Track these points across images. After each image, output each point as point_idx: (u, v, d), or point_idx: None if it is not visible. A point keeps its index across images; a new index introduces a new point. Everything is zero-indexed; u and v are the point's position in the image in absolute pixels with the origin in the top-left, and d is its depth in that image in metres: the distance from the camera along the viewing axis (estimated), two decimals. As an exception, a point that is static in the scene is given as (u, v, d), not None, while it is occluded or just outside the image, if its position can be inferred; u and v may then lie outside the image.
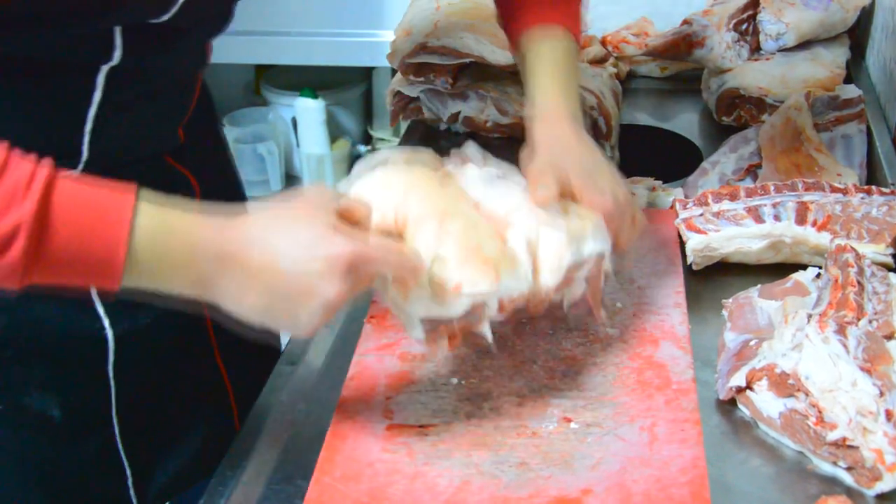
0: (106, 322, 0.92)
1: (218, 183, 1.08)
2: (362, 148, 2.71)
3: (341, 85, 2.61)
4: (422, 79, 1.45)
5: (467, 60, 1.43)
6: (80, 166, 0.86)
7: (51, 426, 0.92)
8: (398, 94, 1.50)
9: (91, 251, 0.67)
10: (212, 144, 1.12)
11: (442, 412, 0.83)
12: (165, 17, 0.81)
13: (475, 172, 0.88)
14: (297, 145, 2.60)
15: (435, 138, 1.49)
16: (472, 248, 0.78)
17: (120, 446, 0.98)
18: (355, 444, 0.79)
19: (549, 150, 0.92)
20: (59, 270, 0.68)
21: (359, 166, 0.86)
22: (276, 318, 0.73)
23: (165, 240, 0.70)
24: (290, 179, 2.69)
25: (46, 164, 0.67)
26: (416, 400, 0.84)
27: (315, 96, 2.51)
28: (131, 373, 0.95)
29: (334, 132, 2.59)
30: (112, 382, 0.95)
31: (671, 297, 0.99)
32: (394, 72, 1.52)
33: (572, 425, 0.81)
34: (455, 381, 0.87)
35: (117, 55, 0.81)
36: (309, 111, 2.50)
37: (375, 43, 2.20)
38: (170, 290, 0.72)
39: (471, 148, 0.91)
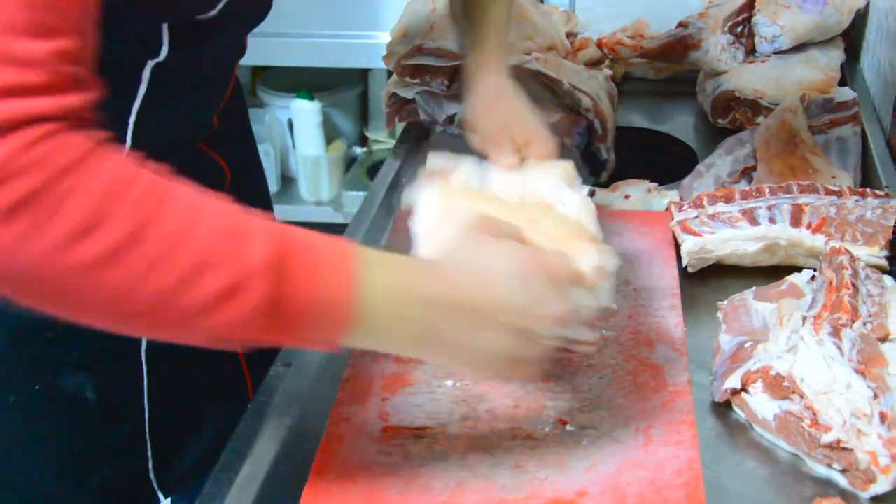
0: None
1: (246, 170, 1.11)
2: (358, 150, 2.70)
3: (337, 87, 2.61)
4: (418, 80, 1.45)
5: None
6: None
7: (84, 408, 0.94)
8: (394, 95, 1.50)
9: (323, 300, 0.63)
10: (241, 132, 1.15)
11: (437, 414, 0.83)
12: (212, 14, 0.83)
13: (469, 172, 0.90)
14: (293, 147, 2.59)
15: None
16: (574, 236, 0.79)
17: (147, 432, 0.99)
18: (351, 446, 0.79)
19: (493, 105, 1.01)
20: (279, 323, 0.62)
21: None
22: (515, 364, 0.71)
23: (396, 292, 0.67)
24: (286, 181, 2.69)
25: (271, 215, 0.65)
26: (412, 402, 0.84)
27: (311, 98, 2.51)
28: (163, 359, 0.97)
29: (330, 134, 2.59)
30: (145, 367, 0.97)
31: (667, 299, 0.99)
32: (390, 73, 1.52)
33: (568, 427, 0.81)
34: (450, 383, 0.87)
35: (164, 52, 0.83)
36: (305, 113, 2.50)
37: (371, 45, 2.20)
38: (395, 346, 0.70)
39: (436, 159, 0.92)
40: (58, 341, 0.91)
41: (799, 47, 1.54)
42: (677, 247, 1.09)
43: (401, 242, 1.04)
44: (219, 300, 0.59)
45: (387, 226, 1.21)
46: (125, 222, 0.57)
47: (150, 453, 1.01)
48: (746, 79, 1.46)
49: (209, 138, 1.02)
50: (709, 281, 1.08)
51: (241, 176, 1.07)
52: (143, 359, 0.96)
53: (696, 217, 1.09)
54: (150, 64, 0.84)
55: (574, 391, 0.85)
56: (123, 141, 0.87)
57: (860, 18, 1.61)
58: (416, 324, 0.67)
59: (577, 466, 0.77)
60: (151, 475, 1.02)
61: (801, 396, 0.81)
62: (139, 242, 0.57)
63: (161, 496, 1.05)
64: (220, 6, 0.83)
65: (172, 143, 0.93)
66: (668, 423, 0.81)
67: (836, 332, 0.83)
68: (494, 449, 0.79)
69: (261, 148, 2.52)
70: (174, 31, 0.83)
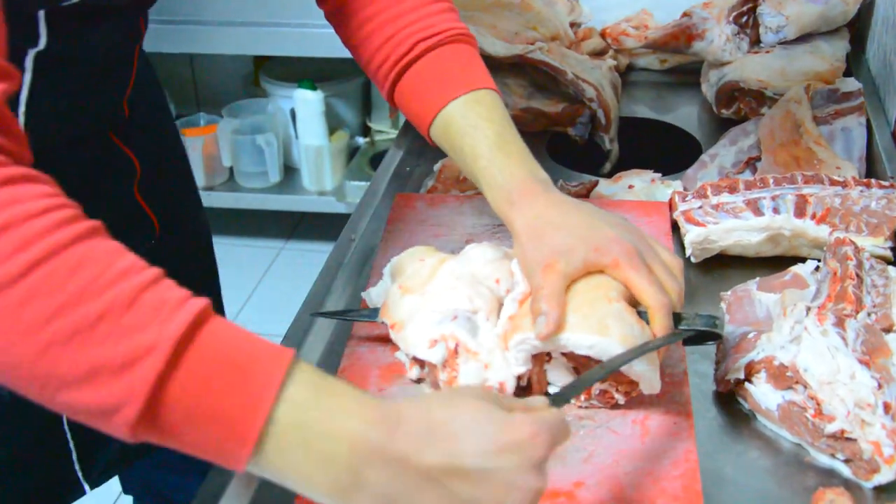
0: None
1: (163, 164, 1.08)
2: (360, 140, 2.70)
3: (340, 76, 2.61)
4: (421, 70, 1.44)
5: (466, 52, 1.43)
6: None
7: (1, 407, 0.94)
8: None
9: (224, 409, 0.54)
10: (156, 120, 1.11)
11: None
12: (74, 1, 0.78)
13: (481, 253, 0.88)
14: (296, 137, 2.59)
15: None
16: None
17: (65, 424, 1.00)
18: None
19: (539, 238, 0.80)
20: (177, 420, 0.54)
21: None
22: None
23: (319, 418, 0.55)
24: (289, 171, 2.69)
25: (203, 300, 0.56)
26: (409, 392, 0.84)
27: (314, 88, 2.50)
28: None
29: (333, 124, 2.59)
30: None
31: None
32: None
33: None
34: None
35: (43, 40, 0.80)
36: (308, 103, 2.50)
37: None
38: (302, 487, 0.57)
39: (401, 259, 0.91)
40: None
41: (804, 37, 1.53)
42: (676, 237, 1.09)
43: (398, 234, 1.04)
44: (99, 413, 0.54)
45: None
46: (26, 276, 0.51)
47: (71, 445, 1.01)
48: (751, 69, 1.45)
49: (120, 129, 0.98)
50: (712, 271, 1.07)
51: (156, 167, 1.03)
52: None
53: (700, 207, 1.09)
54: (32, 53, 0.81)
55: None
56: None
57: (866, 8, 1.60)
58: (334, 466, 0.55)
59: (574, 457, 0.77)
60: (76, 467, 1.03)
61: (805, 386, 0.80)
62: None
63: (87, 487, 1.06)
64: None
65: (76, 131, 0.91)
66: (666, 413, 0.81)
67: (840, 323, 0.83)
68: None
69: (263, 138, 2.54)
70: (52, 17, 0.79)
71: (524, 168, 0.85)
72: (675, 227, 1.13)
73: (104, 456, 1.05)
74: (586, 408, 0.83)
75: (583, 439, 0.79)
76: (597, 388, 0.81)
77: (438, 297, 0.83)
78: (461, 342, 0.79)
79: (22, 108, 0.84)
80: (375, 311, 0.89)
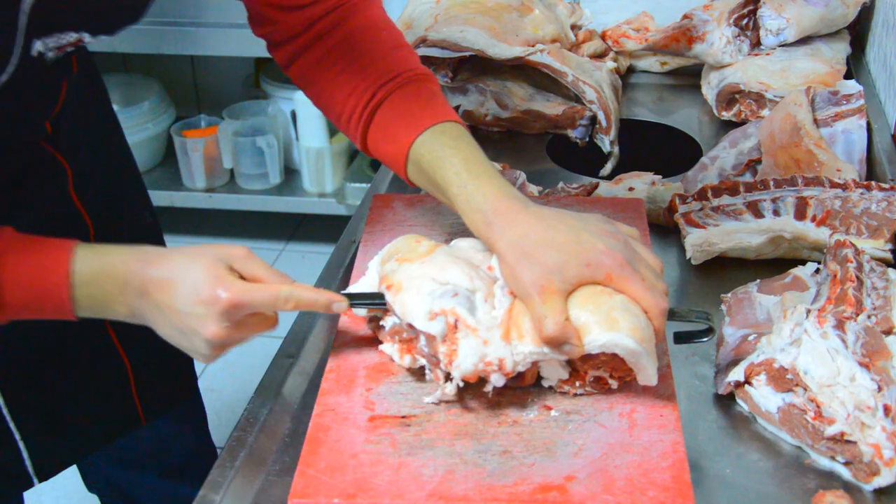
0: None
1: (99, 165, 1.10)
2: (361, 142, 2.70)
3: (341, 78, 2.60)
4: (422, 72, 1.45)
5: (467, 54, 1.43)
6: None
7: None
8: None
9: (42, 300, 0.79)
10: (91, 126, 1.11)
11: (423, 403, 0.83)
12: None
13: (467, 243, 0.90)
14: (297, 139, 2.59)
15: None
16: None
17: (7, 417, 1.02)
18: (338, 435, 0.80)
19: (531, 263, 0.80)
20: (21, 314, 0.80)
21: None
22: (181, 345, 0.82)
23: (101, 282, 0.80)
24: (290, 173, 2.69)
25: None
26: (397, 391, 0.85)
27: (314, 89, 2.50)
28: (11, 346, 1.00)
29: (334, 126, 2.59)
30: None
31: None
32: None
33: (552, 413, 0.82)
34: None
35: None
36: (308, 104, 2.47)
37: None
38: (109, 318, 0.83)
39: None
40: None
41: (804, 40, 1.53)
42: (674, 238, 1.09)
43: (377, 236, 1.05)
44: None
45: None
46: None
47: (18, 438, 1.04)
48: (751, 71, 1.45)
49: (47, 139, 1.00)
50: (713, 273, 1.08)
51: (91, 168, 1.06)
52: None
53: (701, 209, 1.09)
54: None
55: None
56: None
57: (866, 11, 1.60)
58: (122, 305, 0.81)
59: (563, 451, 0.78)
60: (26, 460, 1.05)
61: (805, 389, 0.81)
62: None
63: (36, 480, 1.08)
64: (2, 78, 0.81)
65: (3, 147, 0.94)
66: (652, 406, 0.82)
67: (840, 325, 0.83)
68: (481, 435, 0.80)
69: (264, 140, 2.54)
70: None
71: (496, 188, 0.85)
72: (675, 229, 1.13)
73: (56, 448, 1.08)
74: (581, 395, 0.83)
75: (571, 434, 0.80)
76: (591, 374, 0.82)
77: (440, 266, 0.84)
78: (461, 318, 0.80)
79: None
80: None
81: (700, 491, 0.79)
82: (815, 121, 1.28)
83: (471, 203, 0.85)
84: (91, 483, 1.37)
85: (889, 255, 1.03)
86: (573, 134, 1.44)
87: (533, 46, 1.43)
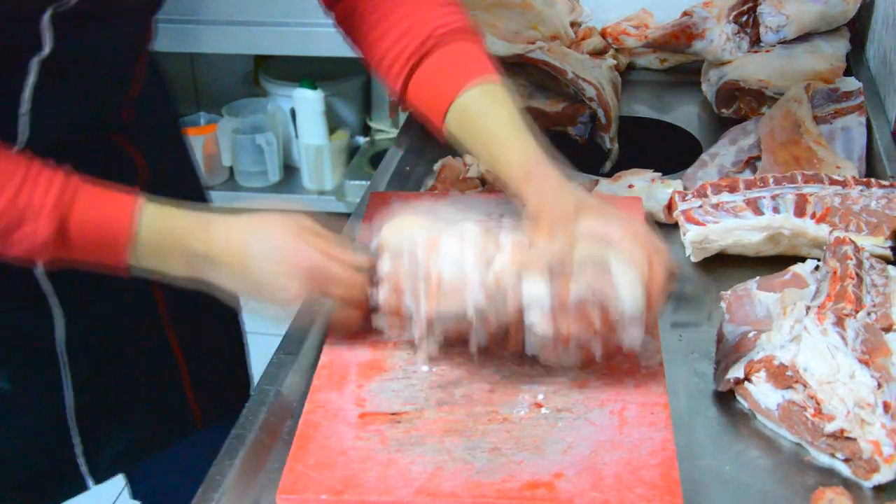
0: (54, 300, 0.97)
1: (167, 165, 1.10)
2: (361, 139, 2.70)
3: (340, 76, 2.60)
4: (421, 69, 1.44)
5: (467, 51, 1.42)
6: (18, 147, 0.88)
7: (4, 400, 0.96)
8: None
9: (102, 256, 0.81)
10: (163, 126, 1.12)
11: (414, 399, 0.83)
12: (71, 3, 0.81)
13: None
14: (296, 136, 2.59)
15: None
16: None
17: (70, 419, 1.01)
18: (328, 431, 0.80)
19: (564, 199, 0.87)
20: (81, 257, 0.80)
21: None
22: (258, 300, 0.85)
23: (164, 241, 0.82)
24: (289, 170, 2.69)
25: (58, 179, 0.79)
26: (388, 388, 0.85)
27: (314, 87, 2.50)
28: (84, 348, 0.99)
29: (333, 123, 2.59)
30: (64, 358, 0.99)
31: None
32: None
33: (543, 410, 0.82)
34: (426, 368, 0.87)
35: (48, 46, 0.83)
36: (308, 102, 2.50)
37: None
38: (168, 273, 0.84)
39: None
40: None
41: (804, 37, 1.53)
42: (674, 236, 1.09)
43: (374, 231, 1.05)
44: (8, 239, 0.78)
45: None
46: None
47: (77, 440, 1.03)
48: (751, 68, 1.45)
49: (123, 131, 1.00)
50: (712, 270, 1.08)
51: (159, 168, 1.05)
52: (61, 350, 0.99)
53: (700, 206, 1.09)
54: (36, 59, 0.84)
55: (548, 375, 0.85)
56: (15, 130, 0.87)
57: (866, 8, 1.60)
58: (181, 265, 0.83)
59: (553, 449, 0.78)
60: (80, 461, 1.04)
61: (805, 386, 0.81)
62: None
63: (90, 482, 1.07)
64: None
65: (78, 133, 0.94)
66: (643, 404, 0.82)
67: (839, 322, 0.83)
68: (471, 433, 0.80)
69: (263, 137, 2.54)
70: (56, 22, 0.82)
71: (535, 149, 0.90)
72: (675, 227, 1.13)
73: (110, 451, 1.06)
74: (567, 383, 0.84)
75: (561, 431, 0.80)
76: (574, 339, 0.82)
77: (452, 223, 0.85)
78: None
79: (24, 108, 0.86)
80: None
81: (699, 488, 0.79)
82: (815, 118, 1.28)
83: (514, 157, 0.90)
84: (137, 490, 1.34)
85: (889, 252, 1.03)
86: (573, 131, 1.44)
87: (533, 44, 1.43)
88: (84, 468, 1.05)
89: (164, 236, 0.82)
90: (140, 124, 1.03)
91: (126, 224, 0.80)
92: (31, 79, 0.85)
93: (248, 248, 0.82)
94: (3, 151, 0.79)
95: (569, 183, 0.88)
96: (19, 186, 0.77)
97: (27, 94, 0.86)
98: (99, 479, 1.07)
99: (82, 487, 1.07)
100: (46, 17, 0.81)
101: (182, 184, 1.16)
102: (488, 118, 0.92)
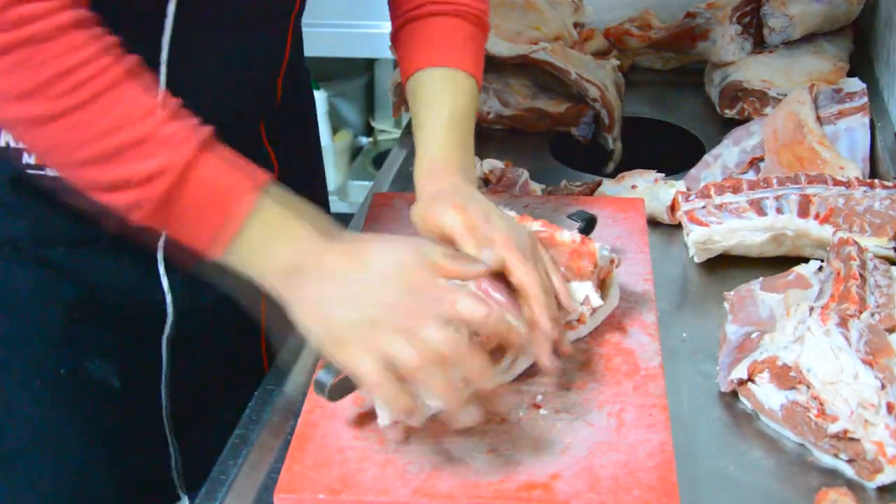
0: (168, 297, 0.94)
1: (299, 162, 1.07)
2: (364, 139, 2.70)
3: (343, 76, 2.61)
4: (424, 70, 1.44)
5: (470, 52, 1.43)
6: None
7: (109, 396, 0.93)
8: (401, 85, 1.50)
9: (210, 217, 0.70)
10: (303, 117, 1.11)
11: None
12: None
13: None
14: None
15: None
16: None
17: (166, 423, 0.99)
18: (326, 431, 0.80)
19: (447, 198, 0.85)
20: (175, 221, 0.71)
21: None
22: (348, 335, 0.71)
23: (286, 216, 0.72)
24: (292, 171, 2.69)
25: (208, 127, 0.71)
26: None
27: (317, 87, 2.50)
28: (183, 349, 0.96)
29: (336, 123, 2.59)
30: (164, 355, 0.96)
31: (640, 284, 0.98)
32: (396, 63, 1.51)
33: (542, 412, 0.82)
34: None
35: None
36: (311, 102, 2.50)
37: (378, 34, 2.19)
38: (259, 269, 0.72)
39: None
40: (83, 322, 0.91)
41: (808, 37, 1.53)
42: (678, 236, 1.09)
43: (375, 232, 1.05)
44: (119, 207, 0.71)
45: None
46: (76, 95, 0.67)
47: (172, 450, 1.00)
48: (754, 69, 1.45)
49: (270, 120, 0.97)
50: (716, 271, 1.08)
51: (293, 167, 1.01)
52: (164, 345, 0.96)
53: (704, 207, 1.09)
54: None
55: (547, 375, 0.85)
56: (156, 78, 0.82)
57: (869, 8, 1.60)
58: (285, 256, 0.71)
59: (550, 450, 0.77)
60: (174, 475, 1.01)
61: (808, 387, 0.80)
62: (81, 113, 0.68)
63: (186, 498, 1.04)
64: None
65: (224, 120, 0.86)
66: (641, 406, 0.82)
67: (843, 323, 0.83)
68: (469, 433, 0.79)
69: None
70: None
71: (459, 155, 0.89)
72: (678, 227, 1.13)
73: (203, 460, 1.03)
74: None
75: (559, 432, 0.79)
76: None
77: None
78: None
79: (164, 56, 0.83)
80: None
81: (702, 488, 0.79)
82: (819, 118, 1.28)
83: (428, 152, 0.90)
84: None
85: (892, 253, 1.03)
86: (576, 132, 1.44)
87: (536, 44, 1.43)
88: (177, 481, 1.02)
89: (290, 211, 0.72)
90: (283, 116, 1.00)
91: (254, 185, 0.71)
92: (170, 17, 0.81)
93: (372, 275, 0.71)
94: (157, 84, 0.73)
95: (468, 193, 0.85)
96: (172, 114, 0.70)
97: (166, 38, 0.82)
98: (191, 491, 1.04)
99: (175, 498, 1.04)
100: None
101: (310, 193, 1.14)
102: (432, 104, 0.91)
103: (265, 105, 0.97)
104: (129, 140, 0.68)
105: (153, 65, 0.81)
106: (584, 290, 0.88)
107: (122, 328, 0.92)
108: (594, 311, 0.89)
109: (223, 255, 0.71)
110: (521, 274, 0.78)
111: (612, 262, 0.91)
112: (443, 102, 0.92)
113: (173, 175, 0.68)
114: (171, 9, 0.81)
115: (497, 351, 0.80)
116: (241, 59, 0.91)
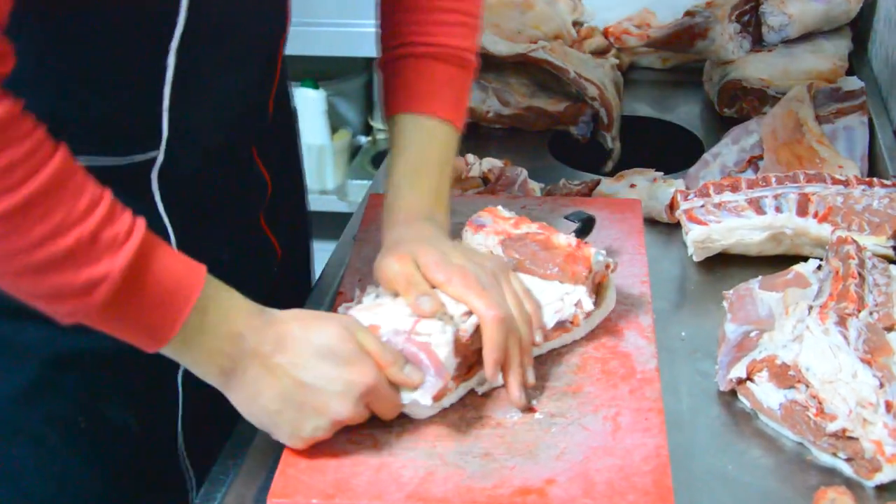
0: None
1: (287, 186, 1.06)
2: (363, 139, 2.70)
3: (342, 75, 2.60)
4: (423, 69, 1.44)
5: (469, 51, 1.43)
6: (162, 145, 0.83)
7: (128, 440, 0.91)
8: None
9: (151, 319, 0.71)
10: (290, 137, 1.11)
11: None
12: None
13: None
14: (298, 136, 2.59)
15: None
16: None
17: (182, 456, 0.97)
18: None
19: (399, 248, 0.85)
20: (115, 323, 0.71)
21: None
22: (279, 425, 0.77)
23: (216, 323, 0.74)
24: (291, 170, 2.69)
25: (142, 222, 0.70)
26: None
27: (316, 87, 2.50)
28: (197, 380, 0.95)
29: (335, 123, 2.59)
30: (180, 390, 0.94)
31: (636, 286, 0.98)
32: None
33: (537, 416, 0.81)
34: None
35: (182, 16, 0.77)
36: (309, 101, 2.49)
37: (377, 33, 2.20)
38: (195, 365, 0.76)
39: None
40: (97, 367, 0.88)
41: (806, 36, 1.53)
42: (677, 235, 1.09)
43: (373, 234, 1.04)
44: (58, 314, 0.70)
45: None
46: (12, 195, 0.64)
47: (188, 480, 0.98)
48: (753, 68, 1.45)
49: (262, 140, 0.96)
50: (714, 270, 1.08)
51: (281, 190, 1.01)
52: (180, 382, 0.94)
53: (703, 206, 1.09)
54: (175, 40, 0.78)
55: (543, 379, 0.85)
56: (160, 127, 0.81)
57: (868, 7, 1.60)
58: (220, 355, 0.75)
59: (545, 454, 0.77)
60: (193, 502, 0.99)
61: (807, 385, 0.81)
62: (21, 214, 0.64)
63: None
64: None
65: (220, 142, 0.89)
66: (637, 410, 0.82)
67: (842, 322, 0.83)
68: (463, 437, 0.79)
69: (266, 137, 2.54)
70: None
71: (426, 203, 0.90)
72: (676, 226, 1.13)
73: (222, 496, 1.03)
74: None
75: (554, 436, 0.79)
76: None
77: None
78: None
79: (166, 103, 0.81)
80: None
81: (701, 487, 0.79)
82: (817, 117, 1.28)
83: (396, 203, 0.90)
84: None
85: (891, 252, 1.03)
86: (575, 131, 1.44)
87: (535, 43, 1.43)
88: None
89: (219, 317, 0.74)
90: (274, 135, 0.99)
91: (198, 282, 0.72)
92: (171, 61, 0.79)
93: (305, 356, 0.75)
94: (90, 178, 0.71)
95: (427, 238, 0.86)
96: (106, 216, 0.68)
97: (167, 87, 0.80)
98: None
99: None
100: None
101: (295, 213, 1.13)
102: (402, 153, 0.92)
103: (258, 127, 0.97)
104: (64, 248, 0.66)
105: (155, 115, 0.81)
106: (577, 294, 0.87)
107: (138, 370, 0.89)
108: (588, 315, 0.89)
109: (159, 350, 0.73)
110: (478, 308, 0.79)
111: (607, 266, 0.91)
112: (410, 151, 0.92)
113: (112, 282, 0.67)
114: (171, 60, 0.79)
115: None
116: (238, 90, 0.90)
